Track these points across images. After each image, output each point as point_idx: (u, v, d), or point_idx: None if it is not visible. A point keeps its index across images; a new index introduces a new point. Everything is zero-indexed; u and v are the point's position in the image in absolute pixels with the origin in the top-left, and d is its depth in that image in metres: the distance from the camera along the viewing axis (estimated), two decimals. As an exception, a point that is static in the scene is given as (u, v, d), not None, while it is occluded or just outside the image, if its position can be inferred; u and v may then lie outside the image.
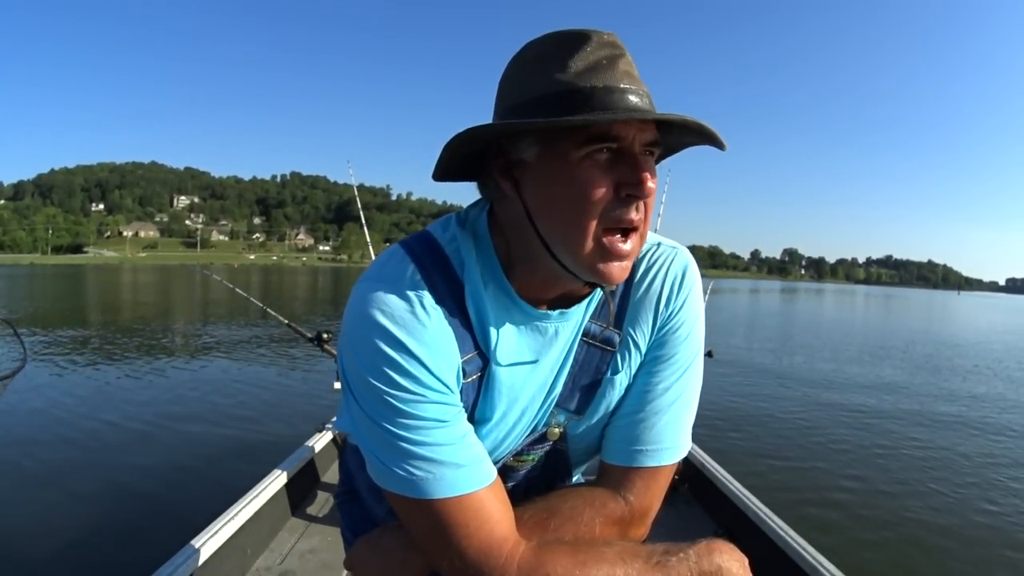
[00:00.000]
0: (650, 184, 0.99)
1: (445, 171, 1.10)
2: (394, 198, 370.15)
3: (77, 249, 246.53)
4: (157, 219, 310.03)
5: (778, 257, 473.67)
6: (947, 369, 17.38)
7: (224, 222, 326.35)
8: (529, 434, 1.23)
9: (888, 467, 7.86)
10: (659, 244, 1.28)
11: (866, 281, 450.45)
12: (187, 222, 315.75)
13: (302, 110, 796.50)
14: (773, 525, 3.14)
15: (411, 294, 1.04)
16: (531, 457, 1.27)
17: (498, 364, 1.13)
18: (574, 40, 1.00)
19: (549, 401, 1.22)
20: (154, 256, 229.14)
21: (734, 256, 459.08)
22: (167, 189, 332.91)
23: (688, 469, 4.32)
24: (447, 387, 1.05)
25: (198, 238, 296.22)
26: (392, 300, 1.03)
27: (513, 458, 1.25)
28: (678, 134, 1.08)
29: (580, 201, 0.98)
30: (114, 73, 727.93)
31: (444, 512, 1.01)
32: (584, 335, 1.21)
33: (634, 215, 1.00)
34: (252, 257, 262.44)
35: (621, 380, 1.23)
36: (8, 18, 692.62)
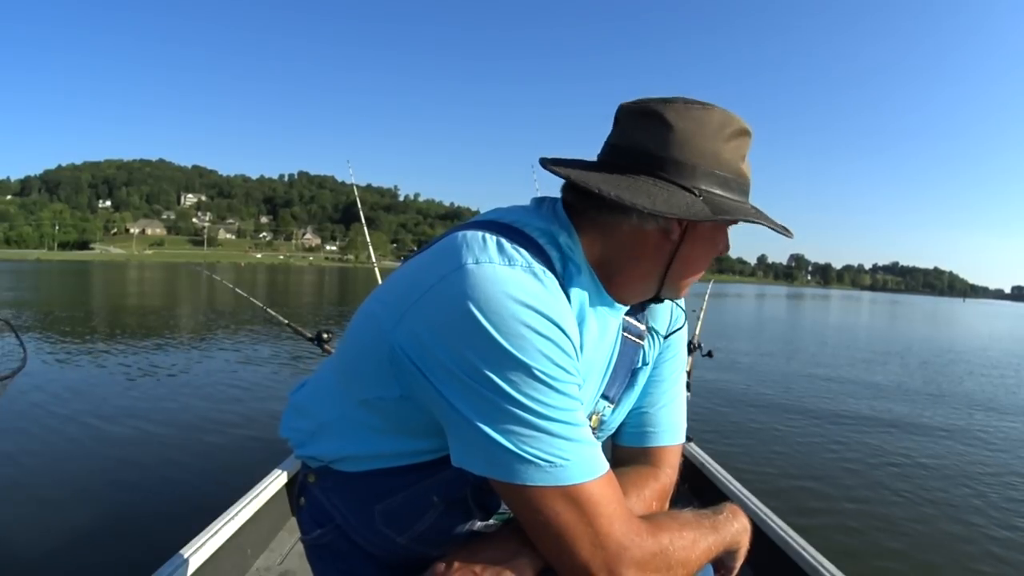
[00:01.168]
0: None
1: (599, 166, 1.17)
2: (401, 199, 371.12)
3: (84, 245, 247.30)
4: (164, 217, 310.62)
5: (784, 262, 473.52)
6: (944, 375, 17.35)
7: (231, 221, 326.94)
8: None
9: (886, 469, 7.87)
10: None
11: (872, 287, 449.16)
12: (194, 220, 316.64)
13: (310, 110, 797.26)
14: (773, 525, 3.13)
15: (544, 276, 1.03)
16: None
17: (583, 351, 1.14)
18: (744, 133, 1.16)
19: (601, 390, 1.29)
20: (161, 254, 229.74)
21: (740, 261, 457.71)
22: (174, 187, 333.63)
23: (688, 469, 4.32)
24: (579, 368, 1.07)
25: (205, 236, 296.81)
26: (529, 281, 1.01)
27: None
28: None
29: (707, 262, 1.20)
30: (122, 70, 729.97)
31: (594, 493, 1.00)
32: (624, 329, 1.32)
33: None
34: (259, 256, 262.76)
35: (648, 370, 1.38)
36: (15, 14, 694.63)
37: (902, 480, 7.50)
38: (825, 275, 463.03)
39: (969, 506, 6.76)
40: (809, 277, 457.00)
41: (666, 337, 1.42)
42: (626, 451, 1.37)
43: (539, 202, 1.24)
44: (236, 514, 3.10)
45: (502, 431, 0.97)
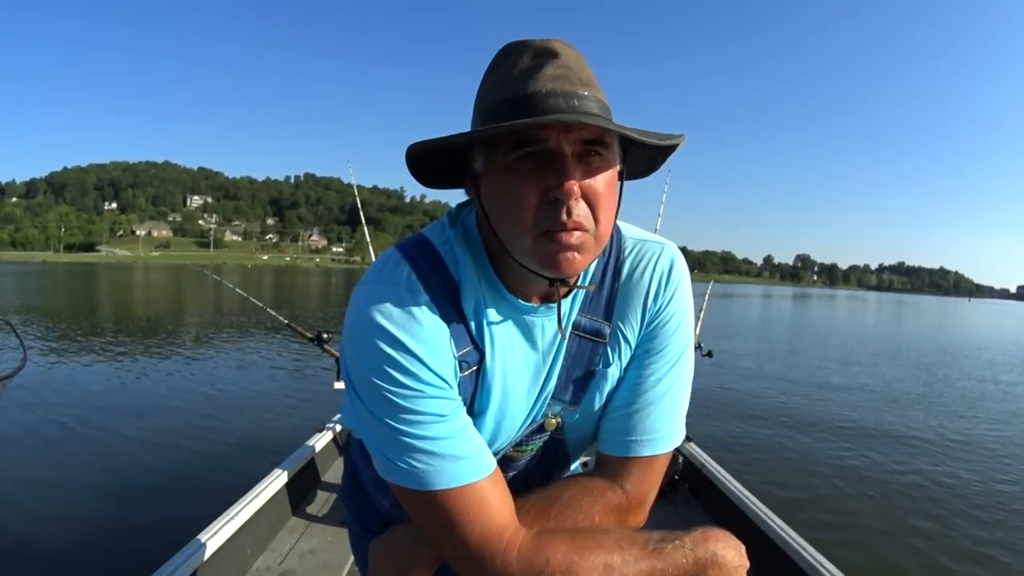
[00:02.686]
0: (573, 185, 0.98)
1: (429, 180, 1.16)
2: (408, 200, 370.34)
3: (90, 247, 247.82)
4: (170, 219, 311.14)
5: (791, 263, 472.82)
6: (945, 375, 17.44)
7: (237, 222, 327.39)
8: (528, 425, 1.26)
9: (888, 469, 7.87)
10: (646, 240, 1.30)
11: (878, 287, 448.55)
12: (200, 222, 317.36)
13: (316, 112, 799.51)
14: (773, 525, 3.14)
15: (407, 294, 1.08)
16: (530, 447, 1.30)
17: (492, 357, 1.16)
18: (509, 53, 1.05)
19: (545, 393, 1.24)
20: (167, 256, 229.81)
21: (747, 262, 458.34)
22: (180, 189, 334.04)
23: (688, 469, 4.35)
24: (445, 382, 1.09)
25: (211, 238, 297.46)
26: (389, 301, 1.07)
27: (513, 448, 1.28)
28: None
29: (513, 207, 1.01)
30: (128, 73, 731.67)
31: (445, 502, 1.05)
32: (574, 328, 1.23)
33: (564, 218, 0.99)
34: (265, 258, 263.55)
35: (613, 372, 1.26)
36: (22, 17, 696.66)
37: (902, 479, 7.51)
38: (831, 275, 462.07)
39: (966, 504, 6.77)
40: (815, 277, 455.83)
41: (644, 334, 1.27)
42: (600, 457, 1.28)
43: (472, 206, 1.24)
44: (236, 514, 3.10)
45: (369, 432, 1.11)
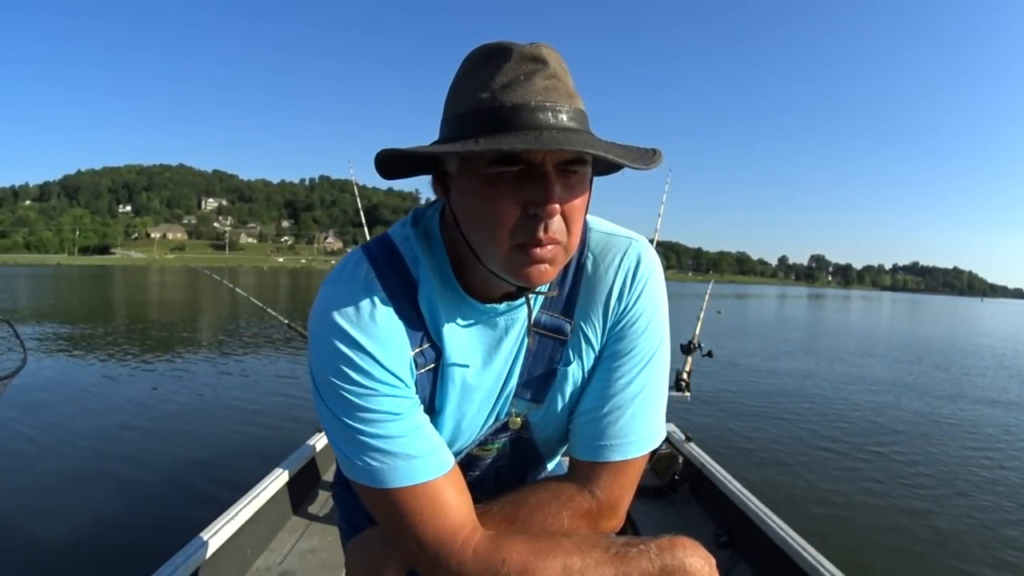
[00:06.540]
0: (555, 204, 0.96)
1: (393, 174, 1.13)
2: (423, 202, 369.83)
3: (104, 250, 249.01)
4: (185, 221, 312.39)
5: (805, 263, 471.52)
6: (955, 375, 17.27)
7: (252, 225, 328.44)
8: (492, 423, 1.26)
9: (891, 470, 7.79)
10: (613, 235, 1.28)
11: (892, 288, 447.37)
12: (215, 224, 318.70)
13: (331, 114, 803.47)
14: (773, 525, 3.13)
15: (363, 292, 1.09)
16: (495, 446, 1.30)
17: (450, 354, 1.16)
18: (495, 55, 0.99)
19: (507, 391, 1.24)
20: (182, 258, 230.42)
21: (762, 262, 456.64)
22: (195, 191, 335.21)
23: (688, 469, 4.34)
24: (400, 380, 1.09)
25: (226, 240, 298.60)
26: (345, 300, 1.08)
27: (478, 447, 1.28)
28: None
29: (490, 217, 0.99)
30: (141, 76, 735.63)
31: (400, 500, 1.06)
32: (535, 325, 1.22)
33: (541, 234, 0.98)
34: (281, 260, 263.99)
35: (574, 371, 1.24)
36: (34, 19, 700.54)
37: (903, 480, 7.44)
38: (846, 276, 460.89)
39: (971, 505, 6.71)
40: (830, 278, 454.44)
41: (611, 335, 1.24)
42: (571, 462, 1.26)
43: (436, 206, 1.22)
44: (236, 514, 3.10)
45: (330, 429, 1.12)
